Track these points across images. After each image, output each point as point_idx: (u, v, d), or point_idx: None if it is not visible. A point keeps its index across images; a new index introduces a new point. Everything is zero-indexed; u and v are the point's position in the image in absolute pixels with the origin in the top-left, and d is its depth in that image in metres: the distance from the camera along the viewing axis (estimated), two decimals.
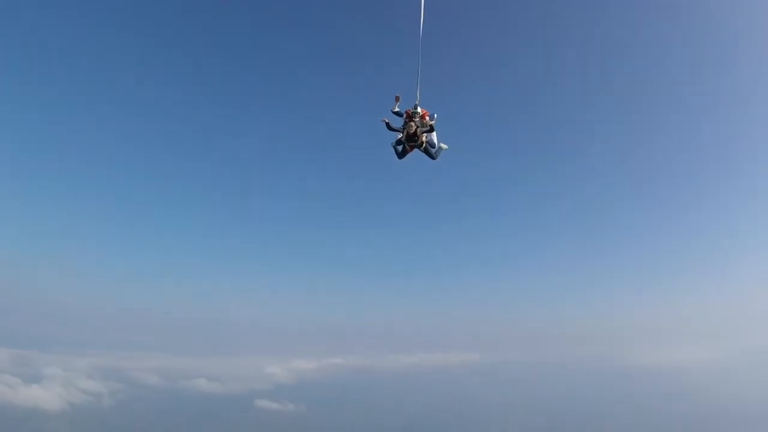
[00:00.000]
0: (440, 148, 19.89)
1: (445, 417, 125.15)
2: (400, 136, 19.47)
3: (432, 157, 19.81)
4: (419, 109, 19.53)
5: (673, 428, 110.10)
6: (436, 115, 19.67)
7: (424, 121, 19.47)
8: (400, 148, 19.66)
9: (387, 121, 19.41)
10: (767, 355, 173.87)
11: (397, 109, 19.73)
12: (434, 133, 19.71)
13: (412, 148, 19.51)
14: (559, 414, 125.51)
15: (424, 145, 19.38)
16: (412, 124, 19.05)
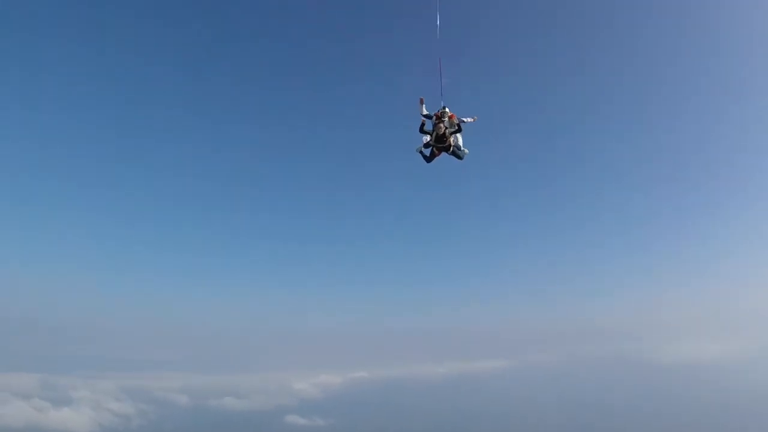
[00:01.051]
0: (464, 151, 20.16)
1: (478, 422, 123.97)
2: (426, 139, 19.88)
3: (459, 158, 20.15)
4: (447, 110, 19.95)
5: (702, 421, 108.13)
6: (476, 117, 20.09)
7: (452, 121, 19.85)
8: (428, 152, 20.04)
9: (422, 122, 19.87)
10: None
11: (425, 112, 20.05)
12: (460, 135, 20.07)
13: (440, 150, 19.85)
14: (590, 410, 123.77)
15: (451, 148, 19.71)
16: (441, 125, 19.43)
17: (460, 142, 20.23)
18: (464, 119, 20.08)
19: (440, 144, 19.66)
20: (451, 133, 19.62)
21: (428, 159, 20.19)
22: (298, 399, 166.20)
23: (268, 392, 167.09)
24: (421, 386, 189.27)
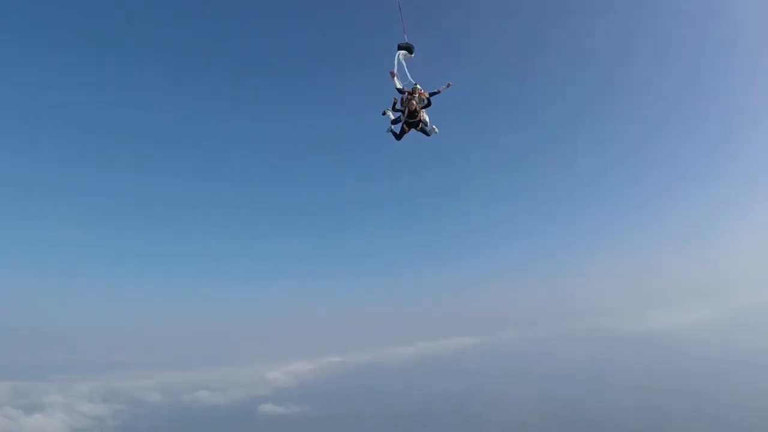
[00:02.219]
0: (433, 129, 20.53)
1: (452, 400, 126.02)
2: (394, 117, 20.10)
3: (427, 134, 20.71)
4: (418, 86, 20.16)
5: (674, 388, 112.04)
6: (449, 83, 20.17)
7: (422, 98, 20.10)
8: (398, 128, 20.39)
9: (395, 101, 19.93)
10: (759, 310, 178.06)
11: (399, 86, 20.23)
12: (427, 115, 20.37)
13: (410, 127, 20.20)
14: (566, 384, 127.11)
15: (420, 124, 20.09)
16: (413, 102, 19.74)
17: (427, 118, 20.58)
18: (437, 90, 20.38)
19: (412, 119, 20.02)
20: (422, 108, 19.92)
21: (398, 136, 20.88)
22: (272, 388, 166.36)
23: (242, 384, 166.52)
24: (394, 368, 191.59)
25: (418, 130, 20.54)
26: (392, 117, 20.64)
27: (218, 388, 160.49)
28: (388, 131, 20.73)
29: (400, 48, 20.90)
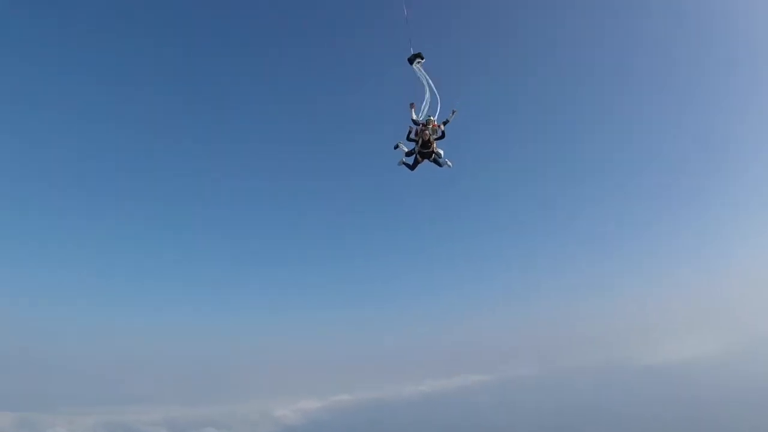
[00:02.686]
0: (446, 162, 21.60)
1: None
2: (408, 149, 21.18)
3: (439, 165, 21.70)
4: (432, 118, 21.29)
5: (689, 416, 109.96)
6: (455, 111, 21.21)
7: (435, 129, 21.23)
8: (411, 160, 21.45)
9: (410, 130, 20.98)
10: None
11: (415, 117, 21.32)
12: (443, 153, 21.55)
13: (423, 157, 21.22)
14: (578, 418, 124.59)
15: (433, 155, 21.12)
16: (427, 132, 20.85)
17: (441, 151, 21.54)
18: (446, 120, 21.49)
19: (425, 149, 21.04)
20: (435, 139, 20.91)
21: (412, 167, 21.70)
22: (279, 426, 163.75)
23: (249, 421, 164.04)
24: (403, 405, 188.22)
25: (431, 161, 21.63)
26: (405, 149, 21.68)
27: (225, 424, 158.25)
28: (399, 164, 21.84)
29: (411, 60, 22.01)
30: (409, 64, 21.84)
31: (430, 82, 21.91)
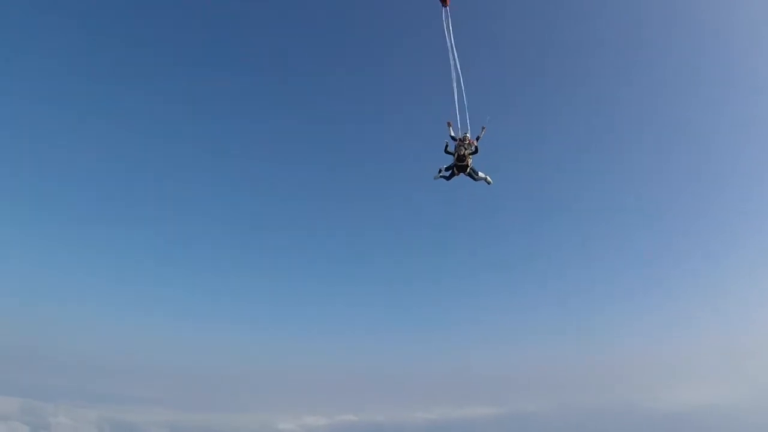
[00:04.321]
0: (485, 178, 23.65)
1: None
2: (444, 167, 23.30)
3: (474, 179, 23.69)
4: (468, 134, 23.51)
5: None
6: (483, 128, 23.38)
7: (470, 144, 23.38)
8: (448, 173, 23.55)
9: (446, 144, 23.31)
10: None
11: (452, 134, 23.59)
12: (479, 171, 24.34)
13: (459, 170, 23.35)
14: None
15: (468, 168, 23.22)
16: (462, 147, 23.08)
17: (478, 169, 24.18)
18: (478, 136, 23.70)
19: (461, 163, 23.21)
20: (470, 154, 23.04)
21: (448, 178, 23.80)
22: None
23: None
24: None
25: (466, 175, 23.75)
26: (445, 174, 23.74)
27: None
28: (436, 178, 23.90)
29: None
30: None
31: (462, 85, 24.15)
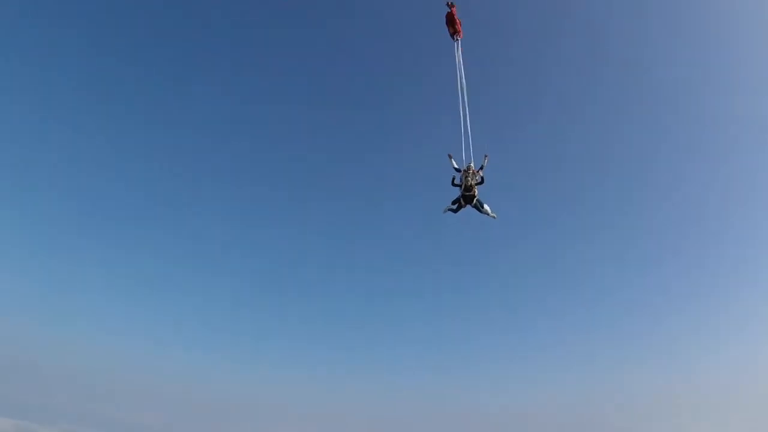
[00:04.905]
0: (488, 212, 24.53)
1: None
2: (452, 204, 24.27)
3: (480, 210, 23.98)
4: (472, 165, 23.86)
5: None
6: (486, 156, 24.43)
7: (475, 175, 23.71)
8: (455, 206, 23.88)
9: (453, 177, 23.75)
10: None
11: (456, 166, 23.98)
12: (485, 204, 24.39)
13: (466, 201, 23.65)
14: None
15: (475, 199, 23.51)
16: (468, 178, 23.39)
17: (482, 200, 24.19)
18: (482, 166, 24.09)
19: (468, 193, 23.49)
20: (476, 184, 23.61)
21: (456, 210, 24.23)
22: None
23: None
24: None
25: (472, 206, 24.05)
26: (452, 207, 24.19)
27: None
28: (444, 211, 24.39)
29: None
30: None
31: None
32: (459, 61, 25.99)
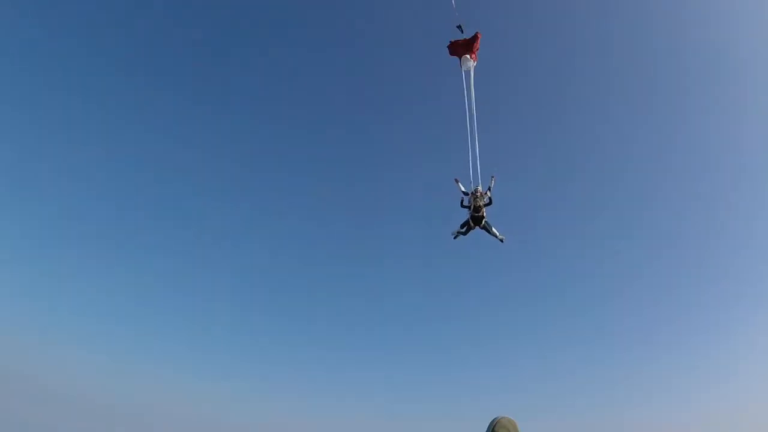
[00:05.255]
0: (496, 234, 24.60)
1: None
2: (461, 227, 24.48)
3: (488, 232, 24.58)
4: (479, 187, 24.42)
5: None
6: (493, 176, 24.87)
7: (482, 195, 24.35)
8: (464, 229, 24.44)
9: (462, 199, 24.40)
10: None
11: (463, 189, 24.59)
12: (492, 226, 24.64)
13: (475, 223, 24.23)
14: None
15: (483, 221, 24.10)
16: (477, 200, 24.00)
17: (492, 226, 24.42)
18: (489, 187, 24.65)
19: (477, 214, 24.10)
20: (485, 205, 24.07)
21: (465, 233, 24.66)
22: None
23: None
24: None
25: (481, 228, 24.53)
26: (461, 230, 24.76)
27: None
28: (453, 235, 24.89)
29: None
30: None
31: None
32: (470, 87, 26.18)
